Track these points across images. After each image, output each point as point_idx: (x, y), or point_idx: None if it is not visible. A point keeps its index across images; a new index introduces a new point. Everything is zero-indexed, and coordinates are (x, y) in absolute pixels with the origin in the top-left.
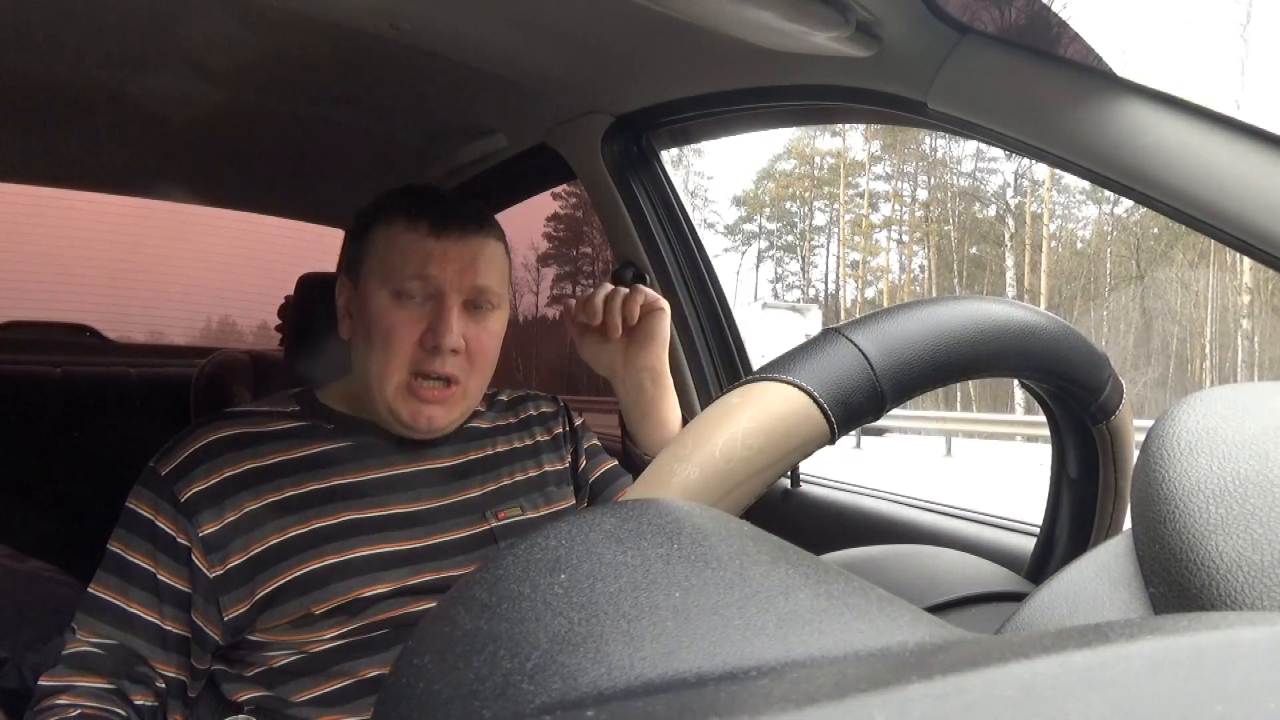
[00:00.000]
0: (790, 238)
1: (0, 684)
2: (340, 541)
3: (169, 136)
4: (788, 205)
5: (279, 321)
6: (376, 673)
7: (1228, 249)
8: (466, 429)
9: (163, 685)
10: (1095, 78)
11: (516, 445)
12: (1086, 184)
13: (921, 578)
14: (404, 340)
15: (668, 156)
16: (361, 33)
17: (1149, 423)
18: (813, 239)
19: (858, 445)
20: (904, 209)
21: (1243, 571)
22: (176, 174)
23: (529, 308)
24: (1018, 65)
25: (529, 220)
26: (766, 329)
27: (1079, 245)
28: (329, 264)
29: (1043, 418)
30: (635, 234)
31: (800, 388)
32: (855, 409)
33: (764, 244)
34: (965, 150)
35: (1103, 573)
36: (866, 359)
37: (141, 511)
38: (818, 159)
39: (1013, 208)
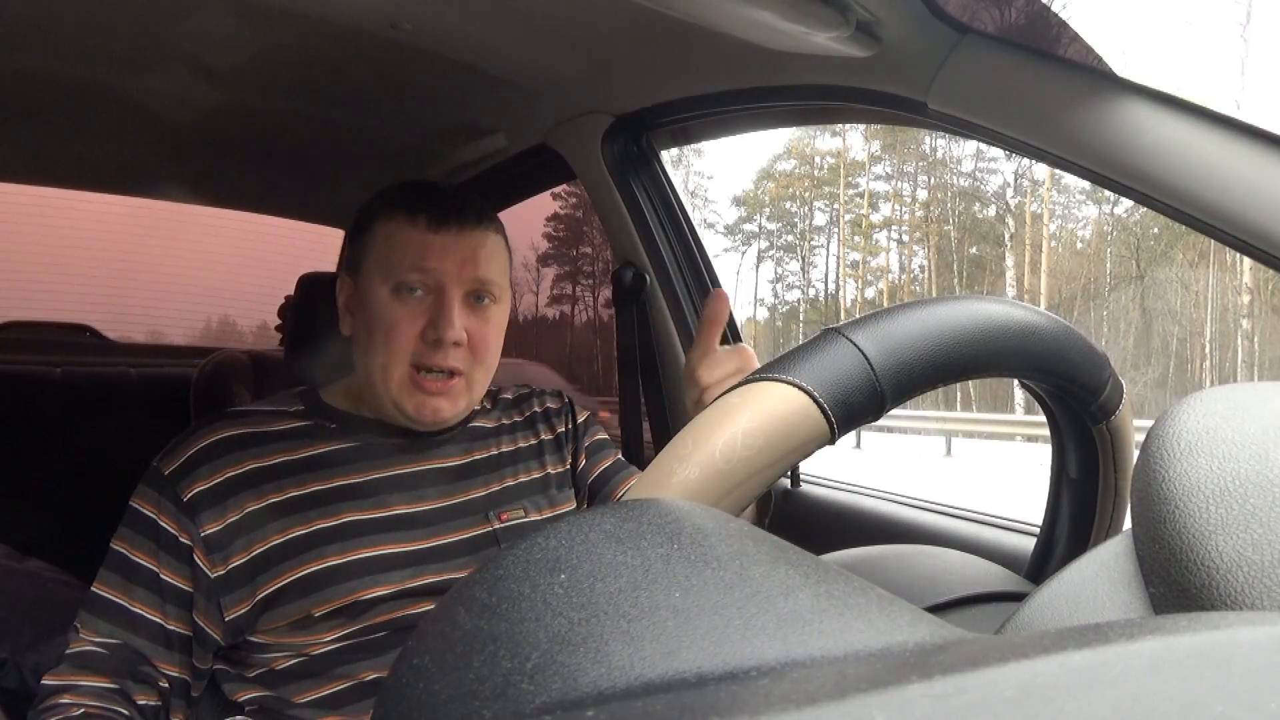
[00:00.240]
0: (790, 238)
1: (0, 684)
2: (342, 543)
3: (169, 136)
4: (788, 205)
5: (279, 321)
6: (377, 675)
7: (1228, 249)
8: (471, 428)
9: (166, 685)
10: (1095, 78)
11: (521, 445)
12: (1086, 184)
13: (921, 578)
14: (406, 334)
15: (668, 156)
16: (362, 33)
17: (1149, 423)
18: (813, 239)
19: (858, 445)
20: (904, 209)
21: (1243, 571)
22: (176, 174)
23: (529, 308)
24: (1018, 65)
25: (529, 220)
26: None
27: (1079, 245)
28: (329, 264)
29: (1043, 418)
30: (635, 234)
31: (800, 388)
32: (855, 409)
33: (764, 244)
34: (965, 150)
35: (1103, 573)
36: (866, 359)
37: (145, 511)
38: (818, 159)
39: (1013, 208)
